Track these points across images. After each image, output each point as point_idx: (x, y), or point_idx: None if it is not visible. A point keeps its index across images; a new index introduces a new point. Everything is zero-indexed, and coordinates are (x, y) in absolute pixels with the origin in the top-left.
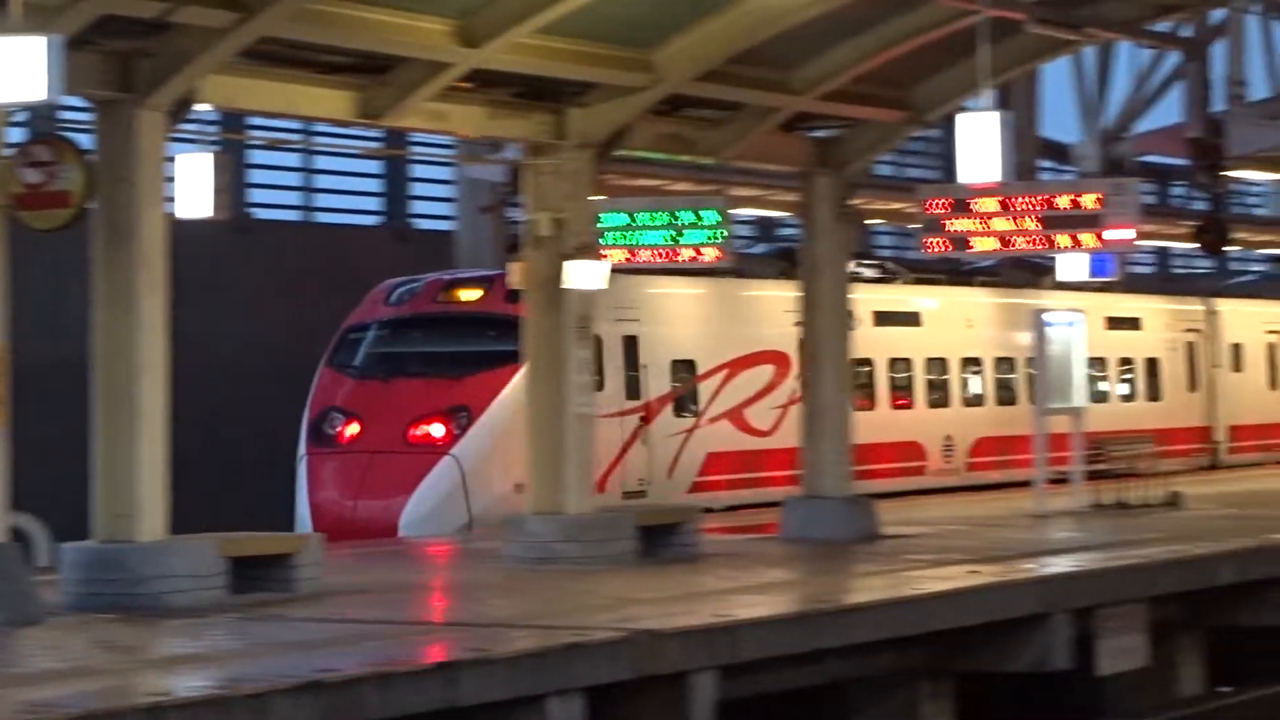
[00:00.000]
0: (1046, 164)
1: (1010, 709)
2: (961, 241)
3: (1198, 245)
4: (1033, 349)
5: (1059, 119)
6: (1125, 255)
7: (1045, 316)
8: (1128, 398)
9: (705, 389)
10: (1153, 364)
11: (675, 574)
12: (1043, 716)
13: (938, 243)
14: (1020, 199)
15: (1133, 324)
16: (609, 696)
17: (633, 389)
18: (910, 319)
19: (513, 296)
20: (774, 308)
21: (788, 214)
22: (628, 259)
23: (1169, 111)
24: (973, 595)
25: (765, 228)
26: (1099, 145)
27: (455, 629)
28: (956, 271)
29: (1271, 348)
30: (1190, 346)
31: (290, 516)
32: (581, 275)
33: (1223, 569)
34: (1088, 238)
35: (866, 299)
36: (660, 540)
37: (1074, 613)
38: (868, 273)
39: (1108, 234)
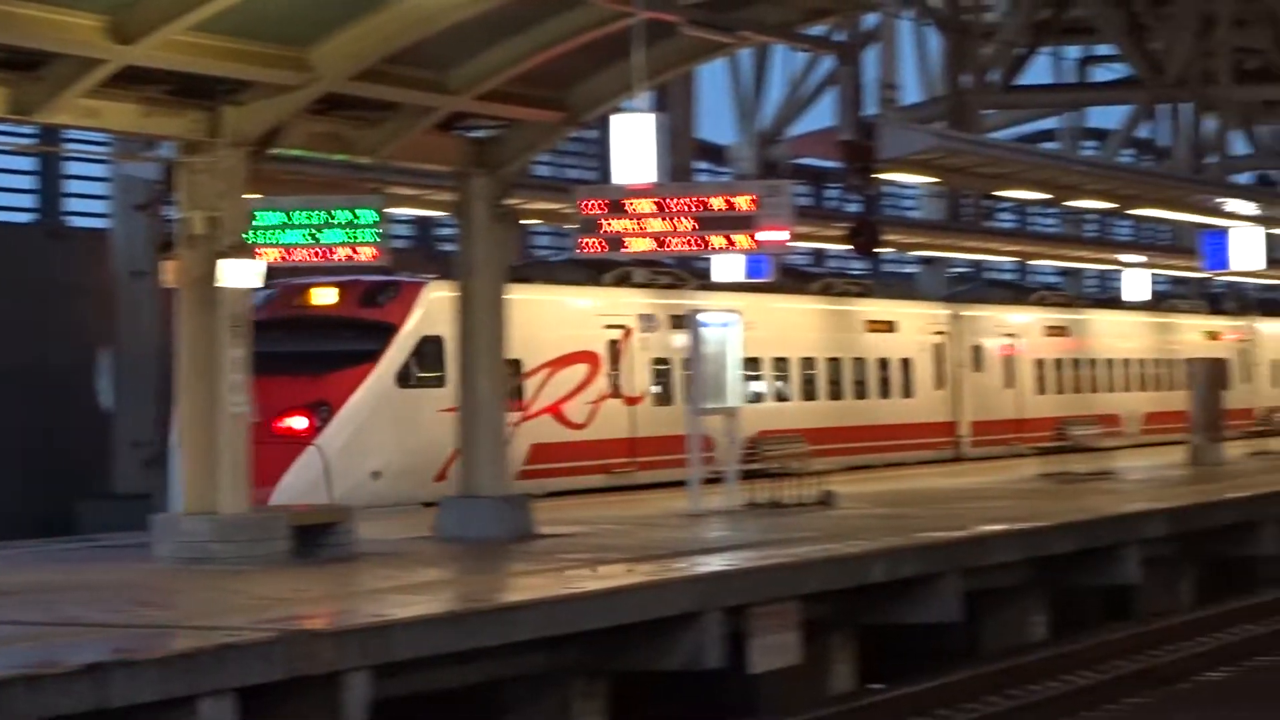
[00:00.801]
0: (703, 165)
1: (664, 707)
2: (617, 242)
3: (850, 247)
4: (688, 350)
5: (716, 121)
6: (779, 256)
7: (700, 317)
8: (885, 394)
9: (529, 386)
10: (907, 364)
11: (330, 574)
12: (696, 714)
13: (593, 243)
14: (675, 200)
15: (889, 327)
16: (262, 697)
17: None
18: None
19: (366, 300)
20: (586, 312)
21: (445, 214)
22: (282, 259)
23: (823, 115)
24: (626, 594)
25: (424, 227)
26: (754, 147)
27: (106, 630)
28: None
29: (1008, 347)
30: (937, 348)
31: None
32: (235, 274)
33: (873, 567)
34: (742, 239)
35: (664, 304)
36: (315, 540)
37: (726, 611)
38: (663, 279)
39: (761, 235)
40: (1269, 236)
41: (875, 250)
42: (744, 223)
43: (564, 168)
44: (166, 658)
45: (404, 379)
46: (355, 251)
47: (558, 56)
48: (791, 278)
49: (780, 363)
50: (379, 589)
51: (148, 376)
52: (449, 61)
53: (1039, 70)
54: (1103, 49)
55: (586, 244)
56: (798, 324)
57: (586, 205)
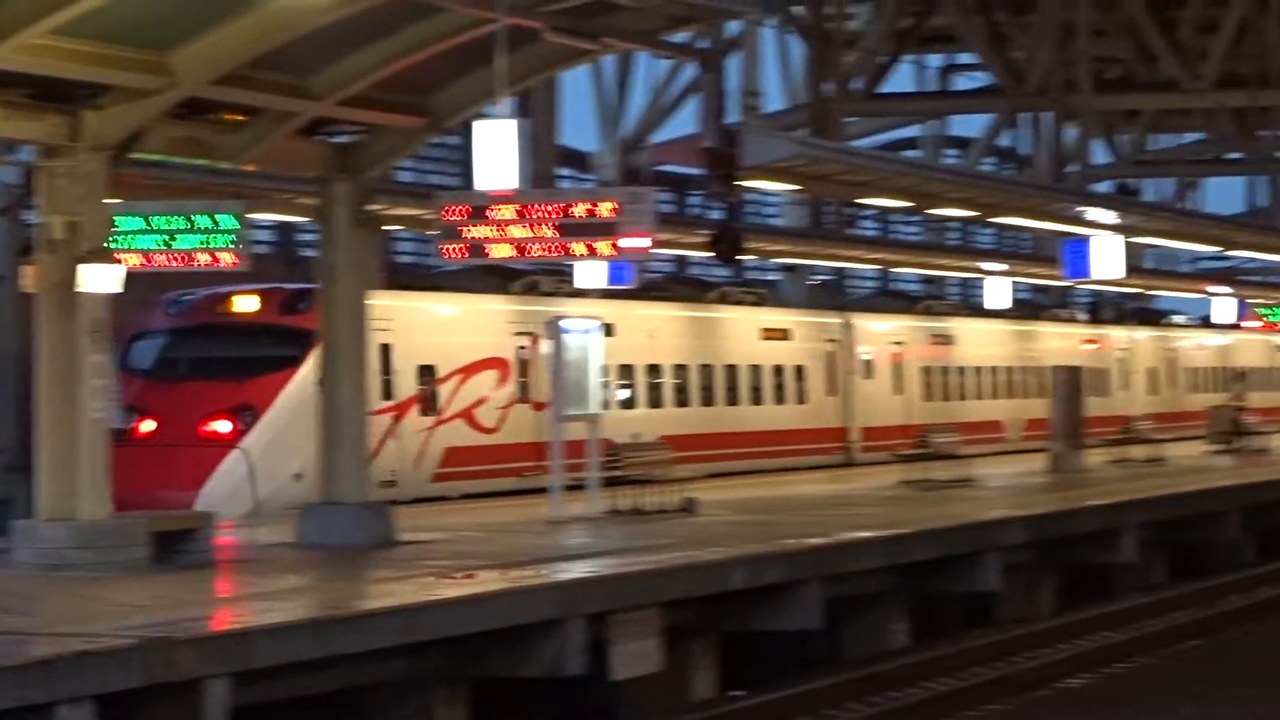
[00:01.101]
0: (567, 172)
1: (527, 714)
2: (479, 248)
3: (713, 254)
4: (549, 357)
5: (580, 128)
6: (641, 263)
7: (562, 324)
8: (780, 400)
9: (443, 391)
10: (800, 371)
11: (190, 580)
12: None
13: (455, 249)
14: (537, 206)
15: (784, 334)
16: (121, 704)
17: (386, 391)
18: (604, 329)
19: (287, 307)
20: (496, 320)
21: (307, 219)
22: (142, 264)
23: (686, 122)
24: (488, 601)
25: (285, 232)
26: (617, 154)
27: None
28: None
29: (895, 355)
30: (829, 356)
31: None
32: (95, 279)
33: (735, 574)
34: (604, 246)
35: (567, 311)
36: (175, 546)
37: (588, 618)
38: (565, 288)
39: (624, 242)
40: (1131, 245)
41: (737, 257)
42: (606, 229)
43: (427, 173)
44: (23, 665)
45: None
46: (215, 257)
47: (420, 62)
48: (690, 286)
49: (680, 369)
50: (239, 595)
51: (7, 381)
52: (311, 67)
53: (902, 78)
54: (965, 58)
55: (449, 250)
56: (698, 332)
57: (449, 211)
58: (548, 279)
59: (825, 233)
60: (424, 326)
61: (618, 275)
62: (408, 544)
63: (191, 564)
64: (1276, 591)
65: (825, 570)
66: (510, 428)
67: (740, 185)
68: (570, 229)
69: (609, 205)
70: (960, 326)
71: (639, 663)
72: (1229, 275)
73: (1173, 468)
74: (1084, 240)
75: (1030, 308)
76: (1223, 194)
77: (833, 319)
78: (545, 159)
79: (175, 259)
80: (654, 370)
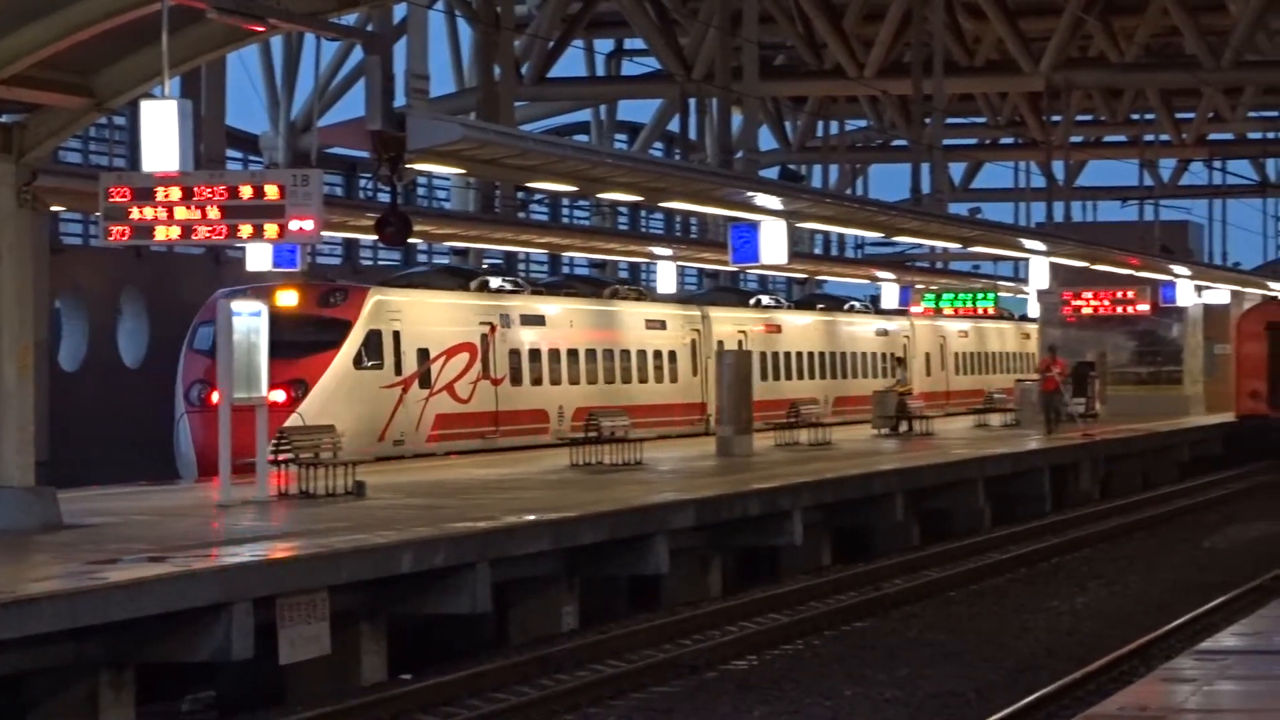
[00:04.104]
0: (237, 154)
1: (194, 699)
2: (146, 230)
3: (380, 237)
4: (221, 340)
5: (249, 110)
6: (309, 245)
7: (232, 306)
8: (659, 380)
9: (434, 369)
10: (673, 355)
11: None
12: (225, 705)
13: (120, 231)
14: (203, 188)
15: (661, 325)
16: None
17: (398, 368)
18: (539, 320)
19: (324, 301)
20: (468, 311)
21: None
22: None
23: (356, 105)
24: (152, 585)
25: None
26: (286, 136)
27: None
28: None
29: (740, 343)
30: (693, 343)
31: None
32: None
33: (402, 558)
34: (270, 228)
35: (515, 305)
36: None
37: (255, 602)
38: (508, 285)
39: (290, 224)
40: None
41: (405, 240)
42: (272, 211)
43: (95, 154)
44: None
45: (358, 362)
46: None
47: (84, 41)
48: (586, 284)
49: (591, 354)
50: None
51: None
52: None
53: (571, 63)
54: (634, 43)
55: (115, 232)
56: (603, 323)
57: (114, 193)
58: (495, 278)
59: (496, 216)
60: (420, 317)
61: (285, 258)
62: (74, 528)
63: None
64: (938, 574)
65: (492, 554)
66: (478, 399)
67: (408, 168)
68: (236, 211)
69: (275, 187)
70: (784, 318)
71: (307, 646)
72: (899, 261)
73: (839, 451)
74: (753, 226)
75: (835, 300)
76: (888, 181)
77: (694, 311)
78: (214, 141)
79: None
80: (573, 355)
